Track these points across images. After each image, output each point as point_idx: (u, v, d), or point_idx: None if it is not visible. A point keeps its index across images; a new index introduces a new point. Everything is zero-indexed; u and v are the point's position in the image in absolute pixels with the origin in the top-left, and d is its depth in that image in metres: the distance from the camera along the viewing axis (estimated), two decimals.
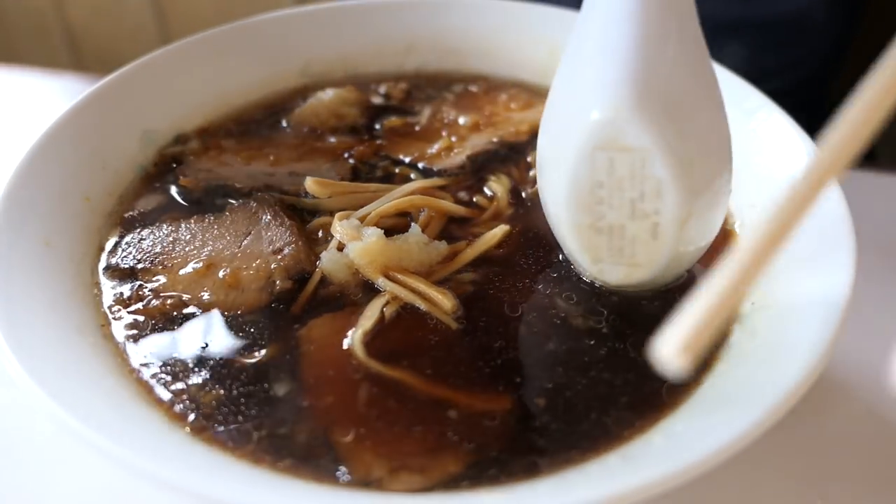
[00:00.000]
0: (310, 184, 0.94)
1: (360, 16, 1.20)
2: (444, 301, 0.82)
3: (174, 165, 1.03)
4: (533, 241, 0.92)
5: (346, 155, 1.04)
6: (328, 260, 0.85)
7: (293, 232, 0.89)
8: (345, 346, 0.78)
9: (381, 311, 0.81)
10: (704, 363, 0.79)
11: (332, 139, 1.07)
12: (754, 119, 1.00)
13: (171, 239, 0.89)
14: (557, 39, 1.18)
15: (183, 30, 1.11)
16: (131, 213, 0.96)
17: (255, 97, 1.15)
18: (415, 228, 0.87)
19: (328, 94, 1.12)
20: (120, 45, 2.51)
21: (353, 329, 0.80)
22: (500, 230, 0.90)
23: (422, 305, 0.82)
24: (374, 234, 0.84)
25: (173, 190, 0.99)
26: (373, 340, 0.79)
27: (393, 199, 0.92)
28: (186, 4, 2.43)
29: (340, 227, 0.86)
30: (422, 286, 0.83)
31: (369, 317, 0.80)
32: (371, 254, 0.83)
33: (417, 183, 0.97)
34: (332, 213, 0.92)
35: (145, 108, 1.04)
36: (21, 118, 1.47)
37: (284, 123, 1.11)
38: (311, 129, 1.09)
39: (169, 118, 1.07)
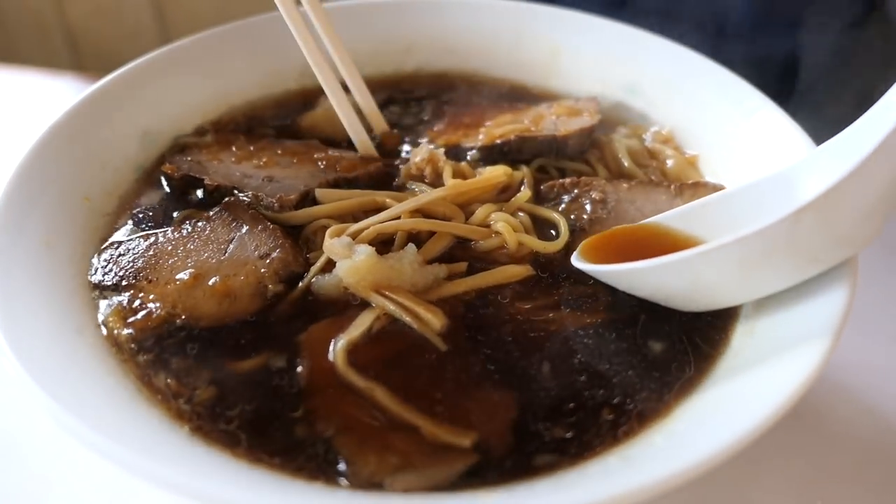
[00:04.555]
0: (320, 193, 0.94)
1: (360, 16, 1.20)
2: (434, 320, 0.80)
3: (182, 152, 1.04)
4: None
5: (336, 168, 1.01)
6: (317, 285, 0.84)
7: (278, 235, 0.88)
8: (324, 356, 0.78)
9: (370, 324, 0.80)
10: (704, 363, 0.79)
11: (336, 152, 1.05)
12: (754, 119, 1.00)
13: (151, 253, 0.87)
14: (557, 39, 1.18)
15: (183, 30, 1.11)
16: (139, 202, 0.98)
17: (269, 95, 1.16)
18: (411, 248, 0.85)
19: None
20: (120, 45, 2.51)
21: (341, 338, 0.79)
22: (524, 270, 0.87)
23: (411, 322, 0.80)
24: (363, 253, 0.82)
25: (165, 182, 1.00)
26: (362, 350, 0.78)
27: (399, 211, 0.89)
28: (186, 4, 2.43)
29: (331, 245, 0.85)
30: (410, 304, 0.81)
31: (357, 327, 0.80)
32: (359, 273, 0.82)
33: (425, 196, 0.92)
34: (329, 218, 0.92)
35: (145, 108, 1.04)
36: (21, 118, 1.47)
37: (298, 125, 1.11)
38: (322, 138, 1.08)
39: (168, 118, 1.07)
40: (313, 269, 0.86)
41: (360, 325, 0.80)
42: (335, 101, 1.03)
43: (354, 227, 0.88)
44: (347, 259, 0.83)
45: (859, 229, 0.73)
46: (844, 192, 0.69)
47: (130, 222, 0.95)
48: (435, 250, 0.89)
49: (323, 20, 1.05)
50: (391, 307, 0.81)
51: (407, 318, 0.80)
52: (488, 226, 0.92)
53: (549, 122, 1.07)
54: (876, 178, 0.70)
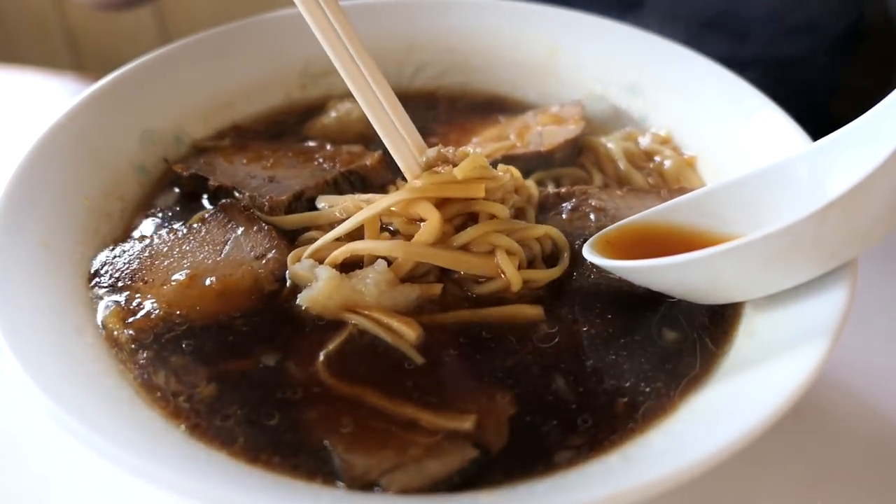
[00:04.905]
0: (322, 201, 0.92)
1: (360, 16, 1.20)
2: (408, 331, 0.78)
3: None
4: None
5: (336, 166, 1.00)
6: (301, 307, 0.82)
7: (273, 236, 0.88)
8: (314, 360, 0.77)
9: (354, 332, 0.79)
10: (705, 363, 0.79)
11: (340, 147, 1.05)
12: (754, 119, 1.00)
13: (147, 255, 0.87)
14: (557, 39, 1.18)
15: (183, 30, 1.11)
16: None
17: (271, 95, 1.16)
18: (380, 265, 0.82)
19: (355, 112, 1.10)
20: (120, 45, 2.51)
21: (324, 345, 0.79)
22: (536, 314, 0.81)
23: (385, 336, 0.78)
24: (323, 279, 0.80)
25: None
26: (348, 358, 0.78)
27: (364, 218, 0.84)
28: (186, 4, 2.43)
29: (293, 271, 0.84)
30: (383, 318, 0.79)
31: (339, 336, 0.79)
32: (317, 301, 0.80)
33: (393, 196, 0.84)
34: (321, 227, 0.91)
35: (145, 108, 1.04)
36: (21, 118, 1.47)
37: (307, 133, 1.11)
38: (332, 142, 1.07)
39: (169, 118, 1.07)
40: (283, 294, 0.84)
41: (342, 334, 0.79)
42: (373, 116, 0.86)
43: (312, 247, 0.85)
44: (308, 286, 0.81)
45: (878, 224, 0.73)
46: (871, 188, 0.69)
47: (138, 223, 0.95)
48: (406, 267, 0.82)
49: (343, 22, 0.90)
50: (364, 322, 0.79)
51: (380, 332, 0.79)
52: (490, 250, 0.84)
53: (534, 133, 1.06)
54: None
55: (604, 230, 0.88)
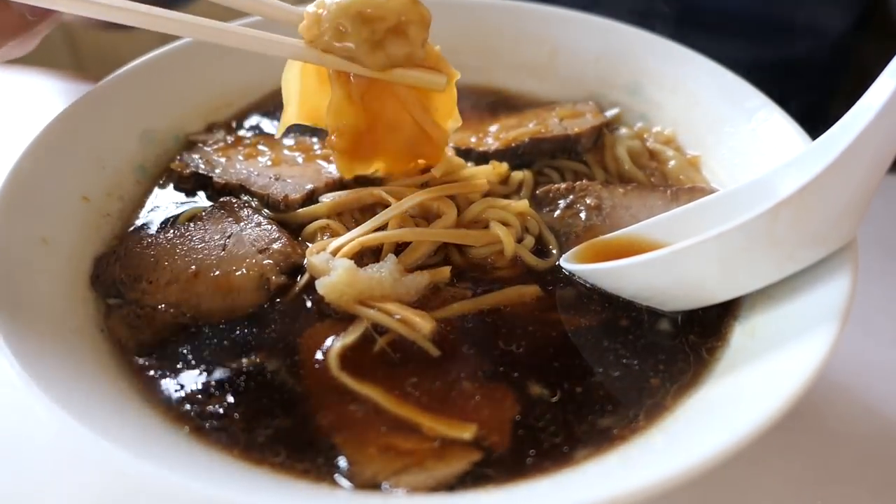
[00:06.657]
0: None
1: None
2: (422, 323, 0.79)
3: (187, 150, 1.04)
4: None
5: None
6: (312, 303, 0.84)
7: (274, 229, 0.88)
8: (322, 358, 0.77)
9: (365, 329, 0.79)
10: (705, 363, 0.79)
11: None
12: (754, 119, 1.00)
13: (151, 253, 0.87)
14: (557, 39, 1.18)
15: None
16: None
17: (271, 94, 1.15)
18: (390, 258, 0.84)
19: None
20: (120, 45, 2.50)
21: (334, 342, 0.78)
22: (534, 292, 0.86)
23: (399, 329, 0.79)
24: (341, 268, 0.81)
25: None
26: (359, 354, 0.78)
27: (385, 219, 0.88)
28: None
29: (311, 263, 0.84)
30: (397, 310, 0.80)
31: (351, 332, 0.79)
32: (336, 289, 0.80)
33: (406, 201, 0.89)
34: (328, 217, 0.92)
35: (145, 108, 1.04)
36: (21, 118, 1.47)
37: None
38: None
39: (168, 118, 1.07)
40: (297, 287, 0.85)
41: (353, 329, 0.79)
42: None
43: (336, 242, 0.86)
44: (325, 276, 0.82)
45: (834, 228, 0.75)
46: (819, 189, 0.71)
47: (134, 222, 0.95)
48: (413, 258, 0.86)
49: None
50: (376, 315, 0.80)
51: (394, 325, 0.79)
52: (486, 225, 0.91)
53: (553, 123, 1.07)
54: (849, 176, 0.72)
55: (584, 243, 0.90)
